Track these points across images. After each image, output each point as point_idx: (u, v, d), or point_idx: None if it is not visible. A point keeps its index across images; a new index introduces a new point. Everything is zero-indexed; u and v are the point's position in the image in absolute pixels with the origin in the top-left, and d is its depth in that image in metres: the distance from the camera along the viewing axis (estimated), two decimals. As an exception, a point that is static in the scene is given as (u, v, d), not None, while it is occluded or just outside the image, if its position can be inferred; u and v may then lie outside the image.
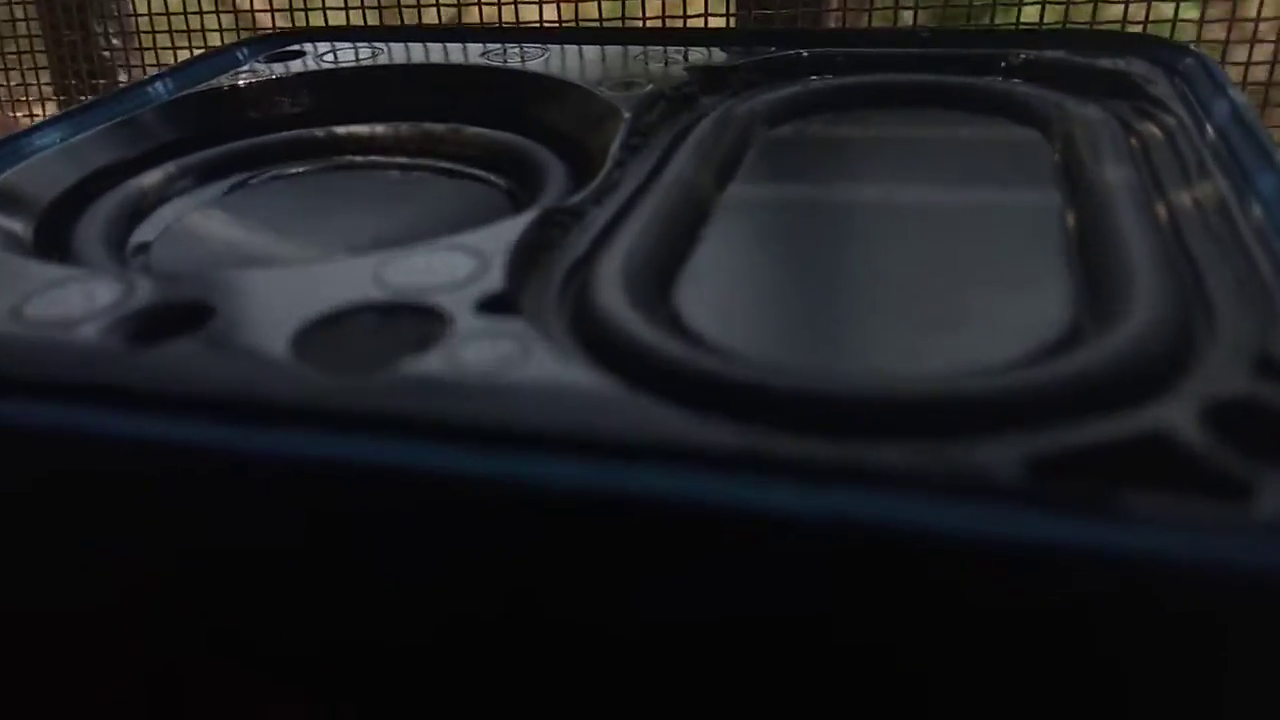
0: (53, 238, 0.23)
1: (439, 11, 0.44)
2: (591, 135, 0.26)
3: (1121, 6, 0.37)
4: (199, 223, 0.24)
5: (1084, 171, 0.22)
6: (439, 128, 0.28)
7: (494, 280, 0.17)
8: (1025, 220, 0.21)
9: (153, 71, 0.48)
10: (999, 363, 0.15)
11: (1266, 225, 0.19)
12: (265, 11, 0.48)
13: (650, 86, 0.27)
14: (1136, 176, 0.21)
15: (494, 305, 0.16)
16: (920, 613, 0.12)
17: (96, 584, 0.15)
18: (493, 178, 0.27)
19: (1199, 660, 0.11)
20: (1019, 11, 0.38)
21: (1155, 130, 0.24)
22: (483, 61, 0.30)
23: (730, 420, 0.13)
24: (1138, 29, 0.38)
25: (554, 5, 0.41)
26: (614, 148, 0.24)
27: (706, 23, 0.40)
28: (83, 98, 0.52)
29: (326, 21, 0.46)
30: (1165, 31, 0.38)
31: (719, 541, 0.12)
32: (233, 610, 0.15)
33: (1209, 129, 0.23)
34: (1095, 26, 0.38)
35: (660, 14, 0.40)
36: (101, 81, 0.53)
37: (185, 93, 0.28)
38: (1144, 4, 0.38)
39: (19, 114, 0.56)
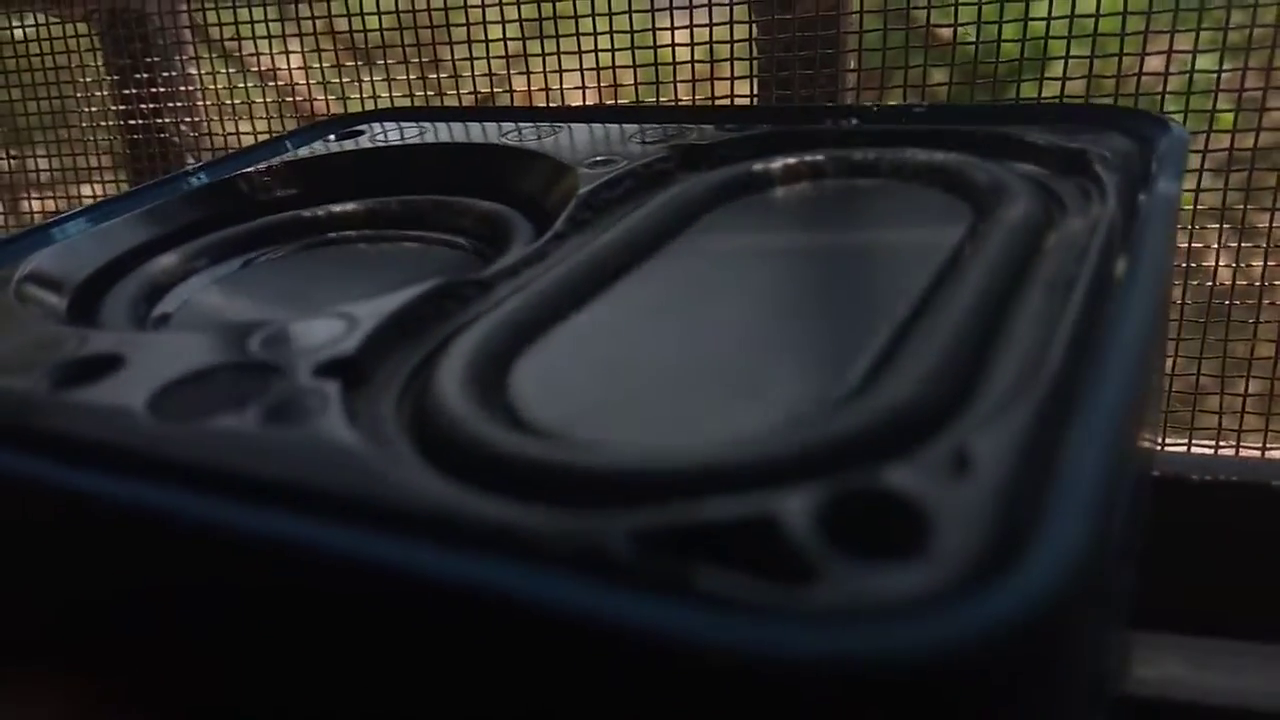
0: (84, 309, 0.27)
1: (493, 87, 0.48)
2: (556, 206, 0.28)
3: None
4: (210, 296, 0.28)
5: (970, 254, 0.22)
6: (423, 200, 0.31)
7: (345, 347, 0.20)
8: (887, 297, 0.21)
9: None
10: (720, 437, 0.16)
11: (1105, 326, 0.18)
12: (346, 102, 0.53)
13: (623, 163, 0.29)
14: (1015, 260, 0.21)
15: (330, 369, 0.19)
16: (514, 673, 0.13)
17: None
18: (471, 245, 0.29)
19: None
20: (1040, 84, 0.37)
21: (1077, 214, 0.24)
22: (480, 139, 0.33)
23: (461, 485, 0.15)
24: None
25: (595, 89, 0.44)
26: (558, 222, 0.26)
27: (732, 101, 0.41)
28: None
29: (391, 101, 0.51)
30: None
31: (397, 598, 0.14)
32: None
33: (1139, 214, 0.23)
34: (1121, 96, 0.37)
35: (691, 94, 0.42)
36: (183, 167, 0.60)
37: (208, 181, 0.32)
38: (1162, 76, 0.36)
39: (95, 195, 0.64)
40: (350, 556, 0.14)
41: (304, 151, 0.35)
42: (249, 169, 0.33)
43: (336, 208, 0.31)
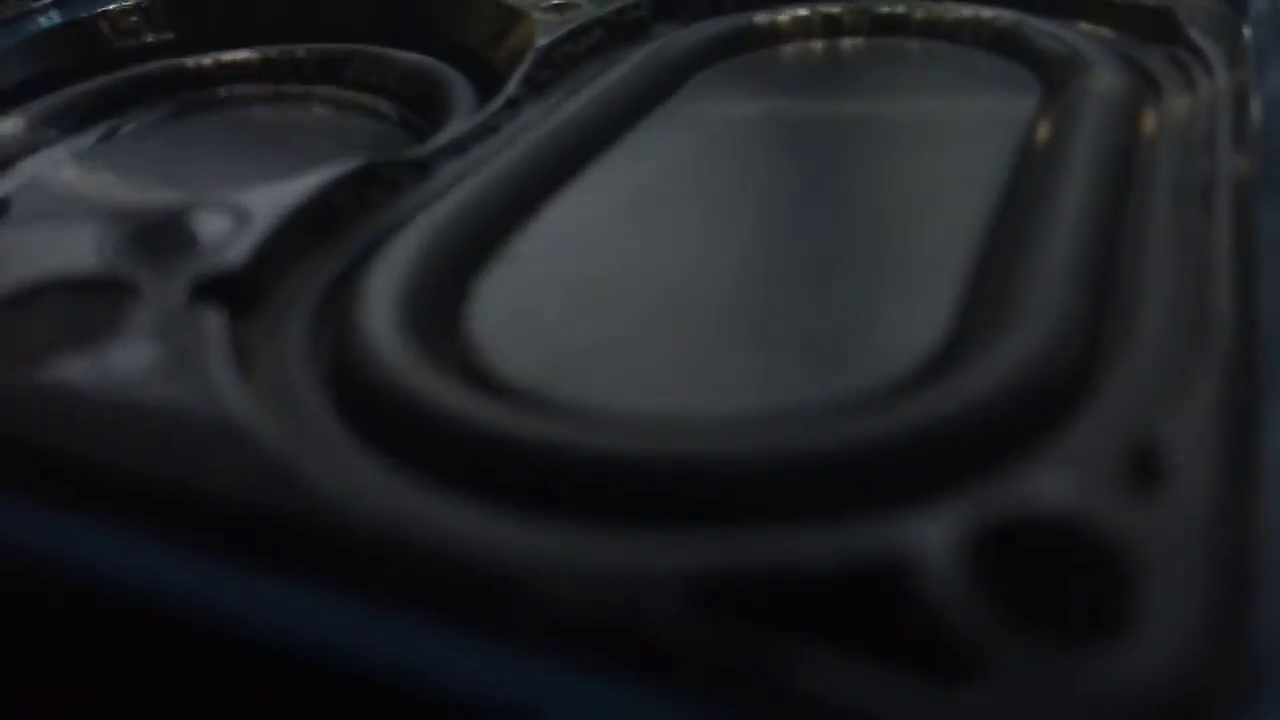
0: None
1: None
2: (505, 62, 0.22)
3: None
4: (62, 175, 0.22)
5: (1050, 143, 0.17)
6: (336, 50, 0.24)
7: (234, 255, 0.14)
8: (951, 203, 0.16)
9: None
10: (785, 416, 0.11)
11: (1257, 242, 0.14)
12: None
13: (587, 8, 0.23)
14: (1116, 154, 0.16)
15: (211, 289, 0.13)
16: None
17: None
18: (391, 109, 0.23)
19: None
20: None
21: (1179, 93, 0.19)
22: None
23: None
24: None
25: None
26: (511, 84, 0.21)
27: None
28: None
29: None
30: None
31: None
32: None
33: (1255, 101, 0.18)
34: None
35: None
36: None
37: (61, 22, 0.25)
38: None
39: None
40: (238, 612, 0.09)
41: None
42: (112, 6, 0.27)
43: (225, 56, 0.25)
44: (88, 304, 0.13)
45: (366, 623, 0.09)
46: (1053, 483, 0.10)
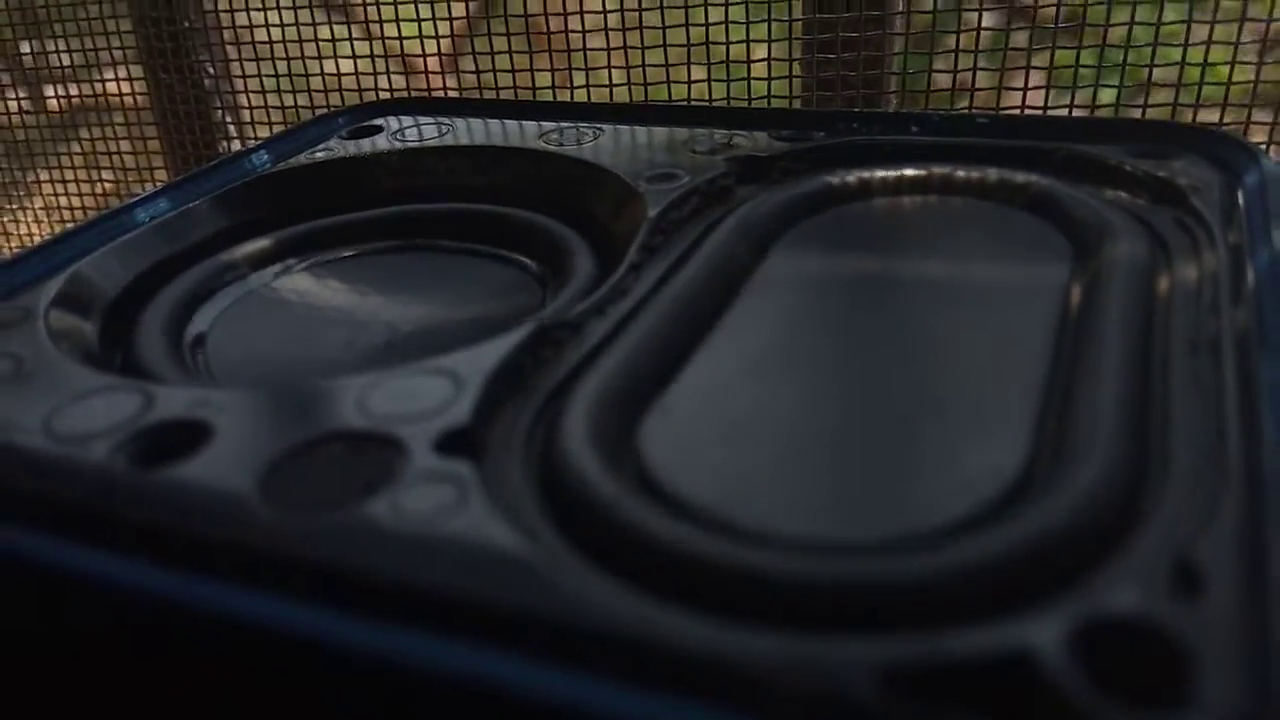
0: (116, 331, 0.25)
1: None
2: (622, 228, 0.27)
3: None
4: (248, 315, 0.26)
5: (1088, 303, 0.21)
6: (481, 210, 0.29)
7: (460, 413, 0.18)
8: (1011, 353, 0.20)
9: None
10: (908, 536, 0.15)
11: (1264, 391, 0.18)
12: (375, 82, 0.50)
13: (685, 179, 0.28)
14: (1141, 313, 0.20)
15: (453, 443, 0.17)
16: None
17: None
18: (529, 262, 0.28)
19: None
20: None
21: (1187, 256, 0.23)
22: (534, 145, 0.31)
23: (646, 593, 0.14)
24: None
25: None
26: (631, 250, 0.25)
27: (770, 72, 0.40)
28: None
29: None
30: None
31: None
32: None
33: (1250, 265, 0.22)
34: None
35: (725, 71, 0.40)
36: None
37: (231, 185, 0.30)
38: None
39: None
40: (540, 696, 0.13)
41: (351, 147, 0.32)
42: (319, 155, 0.32)
43: (391, 212, 0.30)
44: (360, 453, 0.17)
45: (616, 698, 0.13)
46: (1126, 591, 0.13)
